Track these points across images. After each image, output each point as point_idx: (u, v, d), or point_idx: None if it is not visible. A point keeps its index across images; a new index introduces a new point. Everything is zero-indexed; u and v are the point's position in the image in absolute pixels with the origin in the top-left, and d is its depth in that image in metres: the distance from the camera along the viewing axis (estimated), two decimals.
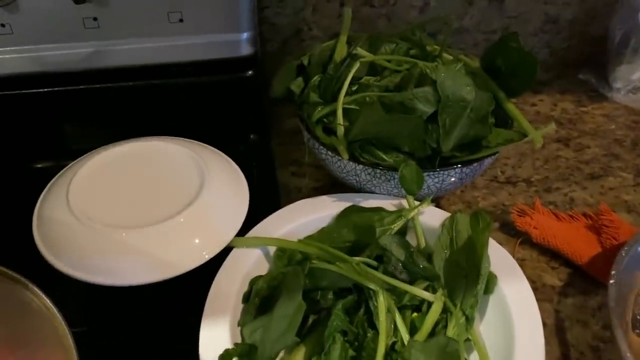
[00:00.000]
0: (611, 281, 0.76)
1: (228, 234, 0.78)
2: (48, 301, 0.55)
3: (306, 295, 0.73)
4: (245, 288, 0.76)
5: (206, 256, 0.75)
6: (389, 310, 0.71)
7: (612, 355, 0.76)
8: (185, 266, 0.73)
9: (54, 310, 0.54)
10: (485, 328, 0.75)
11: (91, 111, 0.98)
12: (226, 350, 0.67)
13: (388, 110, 0.76)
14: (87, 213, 0.75)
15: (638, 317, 0.78)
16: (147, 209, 0.76)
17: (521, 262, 0.82)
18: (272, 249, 0.81)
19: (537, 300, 0.77)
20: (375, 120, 0.77)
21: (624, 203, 0.96)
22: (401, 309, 0.73)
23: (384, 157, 0.80)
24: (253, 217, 0.83)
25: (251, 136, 1.04)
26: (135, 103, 0.98)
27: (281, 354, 0.71)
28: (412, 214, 0.82)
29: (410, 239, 0.82)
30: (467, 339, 0.72)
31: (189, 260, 0.74)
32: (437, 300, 0.73)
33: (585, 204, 0.97)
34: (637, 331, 0.77)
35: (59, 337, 0.53)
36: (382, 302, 0.69)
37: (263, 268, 0.80)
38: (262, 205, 0.86)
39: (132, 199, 0.78)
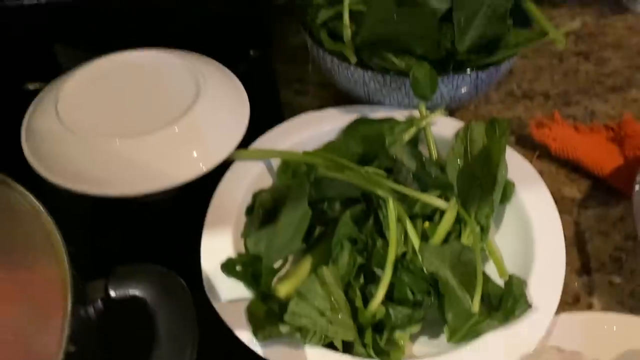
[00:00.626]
0: (636, 188, 0.71)
1: (227, 146, 0.73)
2: (33, 199, 0.50)
3: (313, 207, 0.68)
4: (248, 202, 0.73)
5: (203, 168, 0.70)
6: (399, 220, 0.67)
7: (635, 264, 0.72)
8: (181, 177, 0.69)
9: (40, 207, 0.50)
10: (502, 238, 0.71)
11: (82, 25, 0.92)
12: (229, 259, 0.63)
13: (399, 6, 0.70)
14: (78, 123, 0.70)
15: None
16: (140, 119, 0.72)
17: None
18: (275, 163, 0.77)
19: None
20: (384, 17, 0.71)
21: None
22: (412, 218, 0.68)
23: (395, 60, 0.75)
24: (255, 134, 0.79)
25: (251, 52, 0.98)
26: (127, 16, 0.92)
27: (287, 266, 0.68)
28: (425, 122, 0.77)
29: (422, 151, 0.77)
30: (482, 249, 0.68)
31: (185, 171, 0.70)
32: (451, 209, 0.69)
33: (607, 117, 0.92)
34: None
35: (47, 237, 0.50)
36: (391, 209, 0.65)
37: (266, 182, 0.75)
38: (264, 122, 0.81)
39: (125, 109, 0.73)
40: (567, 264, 0.73)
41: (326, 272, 0.59)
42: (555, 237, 0.67)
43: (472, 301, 0.59)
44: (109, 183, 0.67)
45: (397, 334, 0.61)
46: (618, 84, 0.98)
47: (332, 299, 0.58)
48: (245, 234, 0.69)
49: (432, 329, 0.63)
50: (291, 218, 0.65)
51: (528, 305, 0.59)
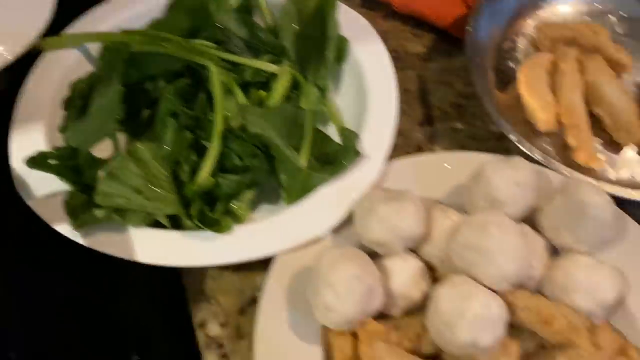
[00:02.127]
0: (468, 34, 0.70)
1: (29, 33, 0.65)
2: None
3: (135, 88, 0.63)
4: (64, 94, 0.65)
5: (8, 57, 0.62)
6: (229, 90, 0.63)
7: (475, 108, 0.73)
8: None
9: None
10: (343, 98, 0.69)
11: None
12: (39, 153, 0.57)
13: None
14: None
15: (500, 73, 0.75)
16: None
17: (384, 35, 0.74)
18: (95, 49, 0.69)
19: (401, 68, 0.71)
20: None
21: None
22: (246, 87, 0.65)
23: None
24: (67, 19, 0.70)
25: None
26: None
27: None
28: None
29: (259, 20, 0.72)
30: (322, 111, 0.66)
31: None
32: (284, 72, 0.65)
33: None
34: (500, 86, 0.73)
35: None
36: (215, 76, 0.61)
37: (85, 71, 0.68)
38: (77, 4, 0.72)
39: None
40: (410, 116, 0.73)
41: (141, 149, 0.55)
42: (388, 90, 0.65)
43: (300, 157, 0.57)
44: None
45: (235, 204, 0.59)
46: None
47: (150, 175, 0.54)
48: (63, 128, 0.63)
49: (271, 196, 0.61)
50: (104, 100, 0.59)
51: (357, 155, 0.58)
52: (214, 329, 0.58)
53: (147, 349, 0.58)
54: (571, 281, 0.51)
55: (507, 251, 0.48)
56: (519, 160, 0.55)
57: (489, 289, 0.48)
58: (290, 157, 0.57)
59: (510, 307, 0.50)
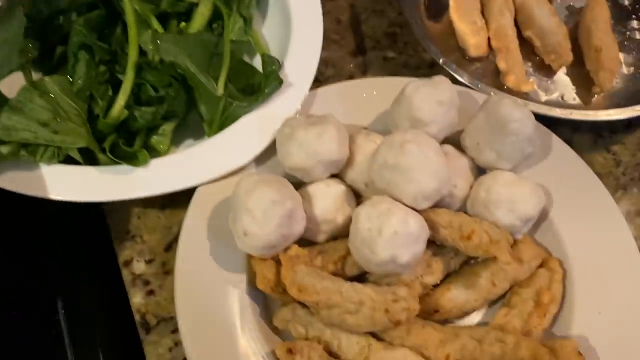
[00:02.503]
0: None
1: None
2: None
3: (48, 23, 0.60)
4: None
5: None
6: (146, 22, 0.60)
7: (408, 36, 0.71)
8: None
9: None
10: (269, 29, 0.66)
11: None
12: None
13: None
14: None
15: (433, 1, 0.73)
16: None
17: None
18: None
19: None
20: None
21: None
22: (164, 18, 0.61)
23: None
24: None
25: None
26: None
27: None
28: None
29: None
30: (248, 41, 0.63)
31: None
32: (204, 1, 0.62)
33: None
34: (433, 15, 0.72)
35: None
36: (128, 4, 0.57)
37: None
38: None
39: None
40: (342, 46, 0.71)
41: (48, 83, 0.52)
42: (314, 19, 0.62)
43: (217, 84, 0.55)
44: None
45: (154, 139, 0.57)
46: None
47: (58, 109, 0.51)
48: None
49: (196, 132, 0.59)
50: (7, 34, 0.55)
51: (279, 82, 0.56)
52: (139, 266, 0.56)
53: (72, 293, 0.56)
54: (492, 197, 0.50)
55: (426, 168, 0.47)
56: (440, 79, 0.54)
57: (410, 208, 0.48)
58: (207, 86, 0.55)
59: (433, 226, 0.50)
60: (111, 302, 0.56)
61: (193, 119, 0.59)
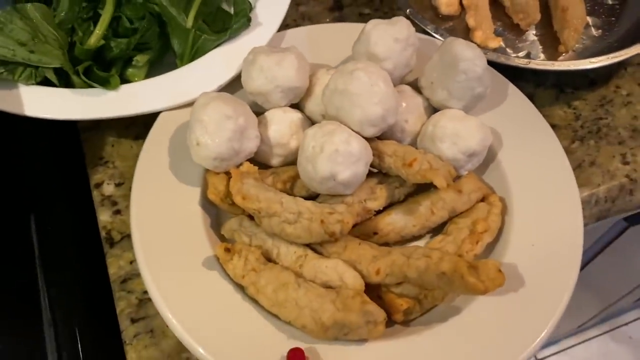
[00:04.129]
0: None
1: None
2: None
3: None
4: None
5: None
6: None
7: None
8: None
9: None
10: None
11: None
12: None
13: None
14: None
15: None
16: None
17: None
18: None
19: None
20: None
21: None
22: None
23: None
24: None
25: None
26: None
27: None
28: None
29: None
30: None
31: None
32: None
33: None
34: None
35: None
36: None
37: None
38: None
39: None
40: (320, 2, 0.75)
41: (30, 8, 0.55)
42: None
43: (187, 18, 0.58)
44: None
45: (129, 71, 0.60)
46: None
47: (37, 32, 0.55)
48: None
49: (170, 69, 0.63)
50: None
51: (248, 21, 0.59)
52: (109, 188, 0.60)
53: (45, 209, 0.60)
54: (438, 131, 0.53)
55: (373, 95, 0.50)
56: (399, 19, 0.56)
57: (357, 133, 0.51)
58: (178, 19, 0.58)
59: (380, 155, 0.52)
60: (80, 221, 0.60)
61: (170, 59, 0.63)
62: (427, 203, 0.52)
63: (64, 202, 0.61)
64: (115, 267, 0.55)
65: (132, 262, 0.56)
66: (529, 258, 0.50)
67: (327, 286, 0.47)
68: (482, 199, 0.54)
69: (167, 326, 0.51)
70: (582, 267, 0.89)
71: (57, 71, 0.56)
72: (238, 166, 0.51)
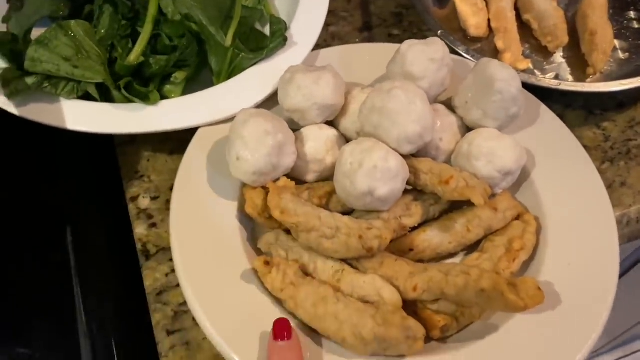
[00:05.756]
0: None
1: None
2: None
3: None
4: None
5: None
6: None
7: (414, 17, 0.76)
8: None
9: None
10: (280, 2, 0.71)
11: None
12: None
13: None
14: None
15: None
16: None
17: None
18: None
19: None
20: None
21: None
22: None
23: None
24: None
25: None
26: None
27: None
28: None
29: None
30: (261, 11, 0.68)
31: None
32: None
33: None
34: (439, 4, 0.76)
35: None
36: None
37: None
38: None
39: None
40: (350, 23, 0.76)
41: (73, 25, 0.57)
42: None
43: (226, 37, 0.60)
44: None
45: (167, 87, 0.62)
46: None
47: (80, 48, 0.56)
48: (6, 18, 0.65)
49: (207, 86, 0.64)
50: None
51: (284, 40, 0.61)
52: (144, 202, 0.60)
53: (81, 222, 0.61)
54: (474, 149, 0.53)
55: (410, 113, 0.51)
56: (434, 39, 0.57)
57: (395, 151, 0.51)
58: (217, 37, 0.59)
59: (415, 172, 0.53)
60: (116, 234, 0.61)
61: (205, 77, 0.64)
62: (463, 220, 0.53)
63: (100, 215, 0.62)
64: (151, 280, 0.56)
65: (168, 274, 0.56)
66: (565, 277, 0.50)
67: (365, 301, 0.47)
68: (517, 218, 0.55)
69: (203, 339, 0.51)
70: None
71: (99, 86, 0.58)
72: (275, 181, 0.52)
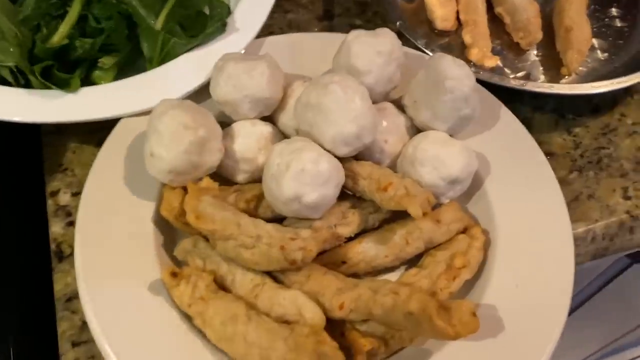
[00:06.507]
0: None
1: None
2: None
3: None
4: None
5: None
6: None
7: (377, 6, 0.70)
8: None
9: None
10: None
11: None
12: None
13: None
14: None
15: None
16: None
17: None
18: None
19: None
20: None
21: None
22: None
23: None
24: None
25: None
26: None
27: None
28: None
29: None
30: None
31: None
32: None
33: None
34: None
35: None
36: None
37: None
38: None
39: None
40: (310, 11, 0.71)
41: None
42: None
43: (157, 20, 0.54)
44: None
45: (96, 73, 0.56)
46: None
47: None
48: None
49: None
50: None
51: (223, 26, 0.56)
52: (65, 198, 0.55)
53: None
54: (419, 154, 0.48)
55: (347, 111, 0.45)
56: (383, 30, 0.52)
57: (330, 152, 0.46)
58: (147, 20, 0.54)
59: (354, 177, 0.48)
60: (32, 231, 0.56)
61: (141, 65, 0.59)
62: (403, 232, 0.47)
63: (16, 209, 0.57)
64: (61, 284, 0.51)
65: None
66: (511, 300, 0.45)
67: (284, 320, 0.42)
68: (464, 231, 0.49)
69: None
70: (586, 300, 0.84)
71: (19, 71, 0.52)
72: (198, 181, 0.47)
